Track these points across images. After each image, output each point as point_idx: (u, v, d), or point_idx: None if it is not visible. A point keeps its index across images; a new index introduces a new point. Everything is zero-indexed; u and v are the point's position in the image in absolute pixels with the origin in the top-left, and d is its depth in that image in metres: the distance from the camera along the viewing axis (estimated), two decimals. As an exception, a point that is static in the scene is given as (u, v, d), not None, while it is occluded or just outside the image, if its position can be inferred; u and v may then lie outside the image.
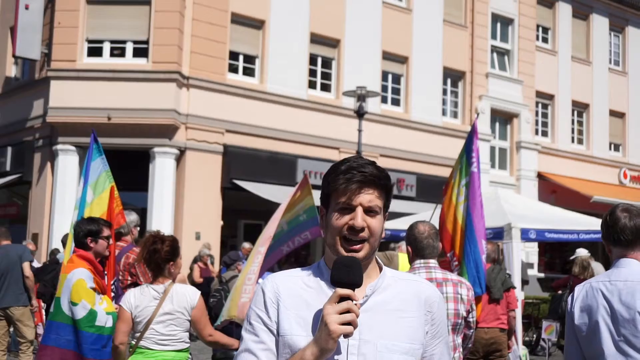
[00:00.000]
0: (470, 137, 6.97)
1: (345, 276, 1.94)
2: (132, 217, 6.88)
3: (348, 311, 1.90)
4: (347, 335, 1.91)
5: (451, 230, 6.98)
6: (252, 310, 2.09)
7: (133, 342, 4.70)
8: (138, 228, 7.14)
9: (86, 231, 5.34)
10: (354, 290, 1.93)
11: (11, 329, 9.74)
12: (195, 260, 15.51)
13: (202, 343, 5.20)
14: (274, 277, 2.13)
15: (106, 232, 5.46)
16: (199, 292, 4.85)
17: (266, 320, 2.05)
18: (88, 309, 4.97)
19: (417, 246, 4.63)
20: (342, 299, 1.91)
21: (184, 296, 4.72)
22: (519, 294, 10.23)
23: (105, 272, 5.73)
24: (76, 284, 5.07)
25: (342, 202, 2.04)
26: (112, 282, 5.83)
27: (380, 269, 2.14)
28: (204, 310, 4.85)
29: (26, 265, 9.48)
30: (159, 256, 4.77)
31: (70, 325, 5.01)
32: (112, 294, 5.81)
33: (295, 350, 1.98)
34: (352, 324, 1.90)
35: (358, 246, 2.03)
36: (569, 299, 3.34)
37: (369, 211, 2.04)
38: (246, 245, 14.24)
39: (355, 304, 1.92)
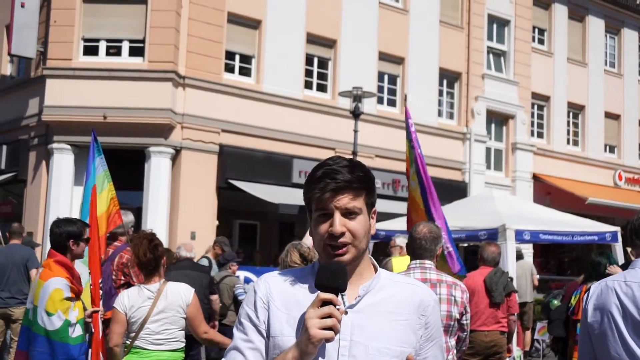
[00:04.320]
0: (407, 124, 7.63)
1: (329, 281, 1.93)
2: (129, 217, 6.88)
3: (330, 316, 1.88)
4: (328, 340, 1.90)
5: (414, 217, 7.51)
6: (243, 308, 2.09)
7: (127, 342, 4.69)
8: (132, 228, 7.15)
9: (66, 233, 5.14)
10: (337, 295, 1.92)
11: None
12: None
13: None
14: (267, 277, 2.12)
15: (86, 234, 5.32)
16: (192, 290, 4.85)
17: (255, 320, 2.04)
18: (63, 320, 4.86)
19: (410, 246, 4.71)
20: (325, 303, 1.90)
21: (178, 294, 4.72)
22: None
23: (90, 271, 5.67)
24: (53, 293, 4.90)
25: (320, 209, 2.04)
26: (99, 281, 5.71)
27: (376, 270, 2.12)
28: (198, 307, 4.85)
29: (34, 273, 9.41)
30: (162, 252, 4.82)
31: (44, 337, 4.86)
32: (101, 293, 5.74)
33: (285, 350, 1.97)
34: (333, 329, 1.88)
35: (342, 250, 2.02)
36: (585, 296, 3.31)
37: (348, 214, 2.03)
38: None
39: (338, 309, 1.90)
